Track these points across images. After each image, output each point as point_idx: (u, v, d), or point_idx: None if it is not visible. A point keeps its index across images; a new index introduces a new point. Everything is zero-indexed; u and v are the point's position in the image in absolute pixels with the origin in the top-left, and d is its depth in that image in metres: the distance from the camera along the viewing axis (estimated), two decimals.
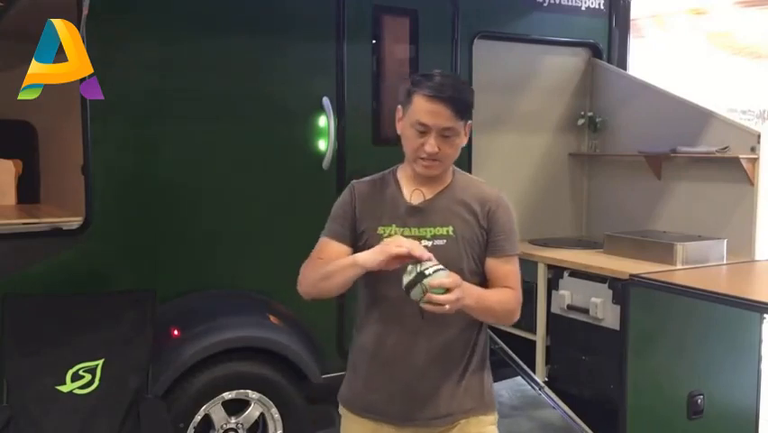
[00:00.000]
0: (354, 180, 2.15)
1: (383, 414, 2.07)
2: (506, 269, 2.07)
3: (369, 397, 2.09)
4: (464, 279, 1.96)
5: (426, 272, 1.80)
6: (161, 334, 3.17)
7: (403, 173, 2.11)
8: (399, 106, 2.06)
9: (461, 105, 1.97)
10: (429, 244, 1.99)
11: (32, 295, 3.03)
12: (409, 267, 1.83)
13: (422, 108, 1.95)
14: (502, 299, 2.04)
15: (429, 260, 1.83)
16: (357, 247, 2.05)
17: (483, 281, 2.07)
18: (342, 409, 2.18)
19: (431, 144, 1.96)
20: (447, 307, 1.80)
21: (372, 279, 1.99)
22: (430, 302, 1.80)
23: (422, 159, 1.99)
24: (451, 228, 2.02)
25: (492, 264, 2.06)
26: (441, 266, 1.83)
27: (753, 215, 3.69)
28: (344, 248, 2.05)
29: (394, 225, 2.03)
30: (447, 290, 1.80)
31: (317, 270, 2.02)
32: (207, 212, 3.39)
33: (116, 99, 3.00)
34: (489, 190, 2.10)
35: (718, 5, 8.41)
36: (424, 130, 1.96)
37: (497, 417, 2.15)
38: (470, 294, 1.91)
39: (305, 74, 3.53)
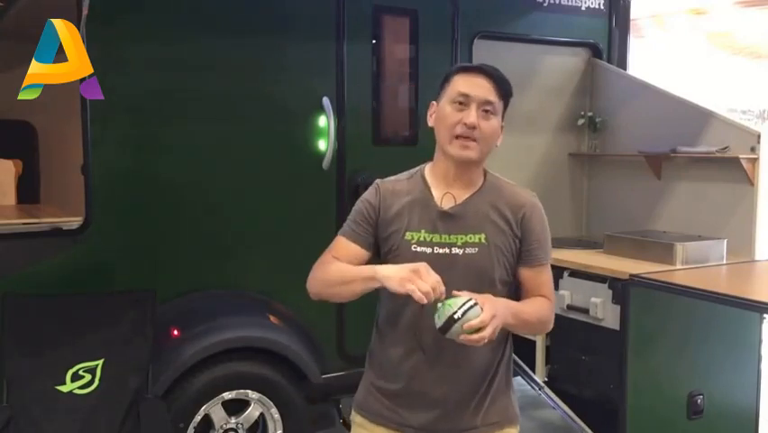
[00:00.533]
0: (379, 180, 2.05)
1: (404, 424, 1.98)
2: (540, 279, 2.01)
3: (390, 406, 2.00)
4: (495, 289, 1.91)
5: (456, 316, 1.72)
6: (161, 334, 3.17)
7: (432, 173, 2.01)
8: (433, 102, 2.00)
9: (502, 82, 1.95)
10: (460, 252, 1.92)
11: (31, 295, 3.03)
12: (438, 307, 1.74)
13: (463, 81, 1.92)
14: (539, 311, 1.98)
15: (453, 297, 1.76)
16: (383, 253, 1.97)
17: (513, 289, 2.01)
18: (356, 417, 2.09)
19: (471, 115, 1.88)
20: (486, 340, 1.75)
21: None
22: (468, 340, 1.74)
23: (458, 138, 1.90)
24: (483, 235, 1.93)
25: (526, 274, 2.00)
26: (470, 302, 1.74)
27: (753, 215, 3.70)
28: (361, 251, 1.97)
29: (423, 231, 1.93)
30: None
31: (332, 272, 1.94)
32: (207, 212, 3.39)
33: (116, 99, 3.00)
34: (522, 196, 2.01)
35: (718, 5, 8.41)
36: (464, 101, 1.90)
37: (519, 428, 2.09)
38: (508, 312, 1.84)
39: (305, 74, 3.53)
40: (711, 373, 3.61)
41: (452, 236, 1.93)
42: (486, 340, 1.74)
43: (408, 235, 1.94)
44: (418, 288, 1.72)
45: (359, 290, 1.89)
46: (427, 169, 2.04)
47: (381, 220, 1.98)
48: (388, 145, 3.72)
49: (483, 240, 1.93)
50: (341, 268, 1.94)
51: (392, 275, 1.78)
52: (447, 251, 1.93)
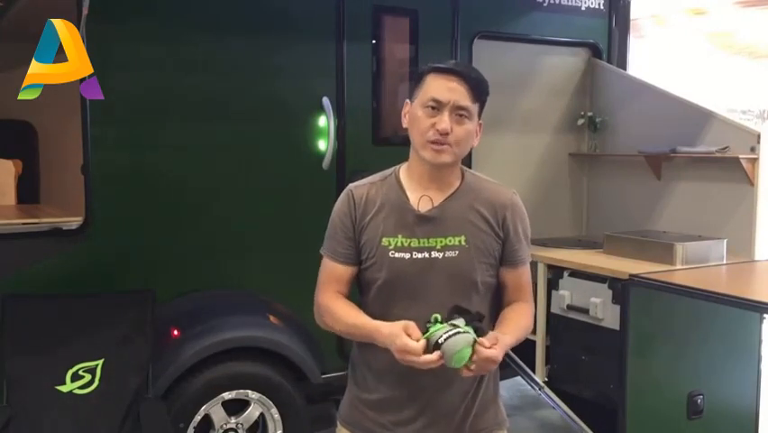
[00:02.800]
0: (351, 184, 1.98)
1: None
2: (522, 280, 1.97)
3: (376, 418, 1.94)
4: (477, 291, 1.87)
5: (440, 341, 1.67)
6: (161, 334, 3.17)
7: (407, 175, 1.95)
8: (407, 100, 1.93)
9: (477, 83, 1.85)
10: (440, 255, 1.86)
11: (32, 295, 3.03)
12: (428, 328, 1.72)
13: (436, 85, 1.84)
14: (525, 323, 1.93)
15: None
16: (362, 260, 1.91)
17: (494, 291, 1.97)
18: (341, 430, 2.03)
19: (443, 121, 1.81)
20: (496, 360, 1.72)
21: (384, 295, 1.89)
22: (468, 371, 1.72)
23: (431, 142, 1.84)
24: (463, 237, 1.87)
25: (508, 275, 1.95)
26: (455, 329, 1.69)
27: (753, 215, 3.69)
28: (349, 269, 1.92)
29: (400, 236, 1.87)
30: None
31: (335, 323, 1.90)
32: (207, 212, 3.39)
33: (116, 99, 3.01)
34: (503, 194, 1.95)
35: (718, 5, 8.42)
36: (436, 106, 1.83)
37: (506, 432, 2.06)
38: (507, 345, 1.80)
39: (305, 74, 3.53)
40: (711, 373, 3.60)
41: (430, 240, 1.87)
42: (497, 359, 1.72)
43: (385, 241, 1.88)
44: (417, 364, 1.70)
45: (361, 341, 1.90)
46: (402, 170, 1.97)
47: (357, 227, 1.92)
48: (387, 145, 3.72)
49: (463, 242, 1.88)
50: (342, 322, 1.89)
51: (391, 342, 1.74)
52: (426, 255, 1.87)
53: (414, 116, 1.89)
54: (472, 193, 1.94)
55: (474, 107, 1.86)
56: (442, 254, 1.87)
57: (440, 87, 1.84)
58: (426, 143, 1.86)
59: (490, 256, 1.91)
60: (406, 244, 1.87)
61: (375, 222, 1.90)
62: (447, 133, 1.83)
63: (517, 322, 1.92)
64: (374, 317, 1.88)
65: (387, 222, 1.90)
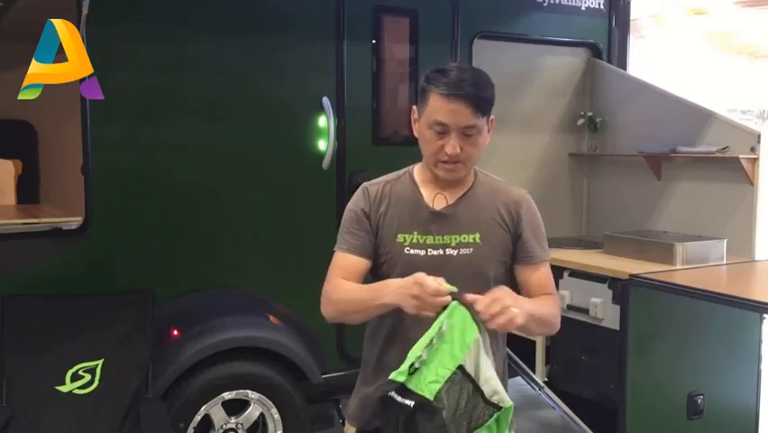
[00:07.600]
0: (366, 183, 2.00)
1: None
2: (542, 278, 1.95)
3: None
4: (490, 288, 1.84)
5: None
6: (161, 334, 3.18)
7: (421, 175, 1.97)
8: (414, 107, 1.94)
9: (481, 100, 1.83)
10: (454, 252, 1.88)
11: (31, 295, 3.03)
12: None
13: (439, 107, 1.82)
14: (550, 308, 1.92)
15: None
16: (377, 255, 1.93)
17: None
18: (350, 429, 2.04)
19: (452, 145, 1.82)
20: (500, 320, 1.69)
21: None
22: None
23: (443, 162, 1.86)
24: (477, 235, 1.90)
25: (525, 273, 1.94)
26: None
27: (753, 215, 3.69)
28: (364, 262, 1.92)
29: (416, 233, 1.90)
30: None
31: (343, 300, 1.89)
32: (207, 212, 3.39)
33: (116, 99, 3.00)
34: (514, 193, 1.98)
35: (718, 5, 8.43)
36: (443, 130, 1.83)
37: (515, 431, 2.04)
38: (524, 308, 1.76)
39: (305, 74, 3.53)
40: (711, 373, 3.61)
41: (445, 237, 1.90)
42: (499, 321, 1.69)
43: (401, 237, 1.90)
44: (426, 307, 1.70)
45: (370, 316, 1.87)
46: (416, 169, 2.00)
47: (373, 222, 1.93)
48: (387, 145, 3.72)
49: (478, 239, 1.90)
50: (350, 295, 1.88)
51: (403, 303, 1.73)
52: (441, 252, 1.89)
53: (422, 134, 1.90)
54: (486, 191, 1.97)
55: (482, 121, 1.86)
56: (456, 251, 1.89)
57: (443, 110, 1.83)
58: (438, 162, 1.88)
59: (504, 254, 1.94)
60: (421, 241, 1.90)
61: (390, 218, 1.93)
62: (458, 155, 1.85)
63: (538, 302, 1.91)
64: (389, 313, 1.88)
65: (402, 218, 1.92)
